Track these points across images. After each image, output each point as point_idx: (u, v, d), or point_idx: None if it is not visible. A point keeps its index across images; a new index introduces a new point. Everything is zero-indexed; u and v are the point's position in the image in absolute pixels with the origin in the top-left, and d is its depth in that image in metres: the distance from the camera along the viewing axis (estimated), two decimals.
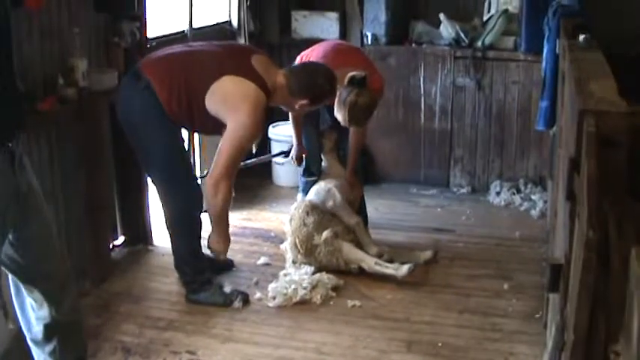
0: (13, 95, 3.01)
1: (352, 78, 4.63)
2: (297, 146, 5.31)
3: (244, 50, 4.53)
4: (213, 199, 4.16)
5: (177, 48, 4.46)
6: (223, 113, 4.11)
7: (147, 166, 4.45)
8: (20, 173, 3.01)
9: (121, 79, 4.47)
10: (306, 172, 5.44)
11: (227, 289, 4.54)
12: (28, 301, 3.26)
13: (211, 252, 4.46)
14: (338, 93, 4.63)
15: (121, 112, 4.34)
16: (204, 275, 4.50)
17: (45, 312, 3.26)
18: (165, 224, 4.49)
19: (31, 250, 3.12)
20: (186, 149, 4.66)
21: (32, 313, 3.28)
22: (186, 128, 4.49)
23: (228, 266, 4.87)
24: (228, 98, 4.11)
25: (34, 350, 3.39)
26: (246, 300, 4.50)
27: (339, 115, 4.69)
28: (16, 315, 3.37)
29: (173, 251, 4.51)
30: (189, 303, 4.49)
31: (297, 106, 4.41)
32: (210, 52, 4.33)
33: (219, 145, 4.12)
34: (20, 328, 3.39)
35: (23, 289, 3.24)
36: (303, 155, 5.38)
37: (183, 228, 4.43)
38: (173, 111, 4.16)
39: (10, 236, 3.05)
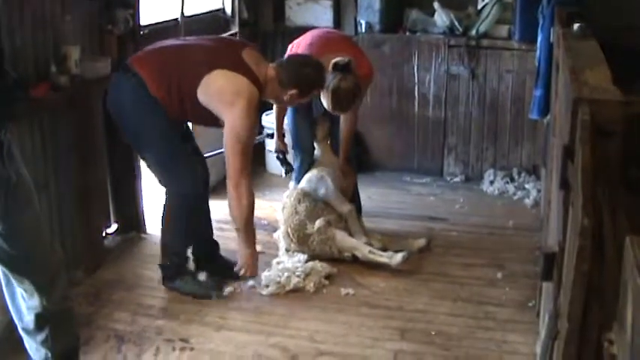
0: (2, 84, 2.99)
1: (336, 64, 4.64)
2: (278, 140, 5.29)
3: (235, 44, 4.52)
4: (237, 203, 4.20)
5: (167, 42, 4.45)
6: (215, 106, 4.12)
7: (143, 155, 4.44)
8: (9, 163, 2.99)
9: (112, 75, 4.44)
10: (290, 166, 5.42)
11: (201, 276, 4.51)
12: (19, 291, 3.24)
13: (241, 275, 4.48)
14: None
15: (112, 106, 4.33)
16: (181, 262, 4.47)
17: (36, 301, 3.24)
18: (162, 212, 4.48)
19: (21, 241, 3.10)
20: (188, 134, 4.60)
21: (23, 303, 3.27)
22: (181, 121, 4.47)
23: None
24: (222, 93, 4.11)
25: (26, 340, 3.38)
26: (220, 287, 4.48)
27: (324, 100, 4.71)
28: (7, 305, 3.35)
29: (162, 241, 4.50)
30: (167, 289, 4.49)
31: (286, 97, 4.41)
32: (202, 45, 4.33)
33: (225, 148, 4.14)
34: (11, 318, 3.38)
35: (13, 280, 3.22)
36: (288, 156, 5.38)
37: (177, 223, 4.41)
38: (166, 103, 4.16)
39: (5, 224, 3.03)
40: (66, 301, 3.41)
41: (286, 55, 5.02)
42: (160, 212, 4.50)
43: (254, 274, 4.50)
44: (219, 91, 4.11)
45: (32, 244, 3.17)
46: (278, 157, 5.32)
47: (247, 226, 4.32)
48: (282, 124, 5.25)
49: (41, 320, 3.30)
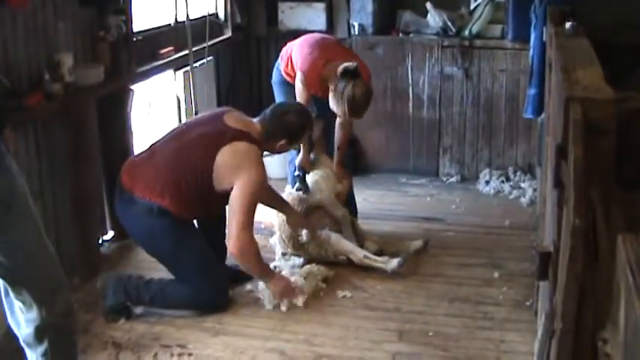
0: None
1: (345, 70, 4.64)
2: (304, 155, 5.13)
3: (216, 116, 4.37)
4: (241, 260, 4.22)
5: (159, 154, 4.32)
6: (229, 181, 4.14)
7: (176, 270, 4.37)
8: (3, 176, 2.98)
9: (121, 205, 4.33)
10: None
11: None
12: (17, 303, 3.21)
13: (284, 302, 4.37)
14: (332, 87, 4.69)
15: (136, 238, 4.49)
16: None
17: (34, 314, 3.20)
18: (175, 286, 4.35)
19: (19, 255, 3.08)
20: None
21: (21, 316, 3.24)
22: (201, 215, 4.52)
23: (248, 276, 4.61)
24: (229, 166, 4.14)
25: (27, 351, 3.36)
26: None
27: (338, 109, 4.72)
28: (6, 317, 3.34)
29: (162, 294, 4.33)
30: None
31: (278, 148, 4.44)
32: (191, 140, 4.26)
33: (230, 205, 4.15)
34: (9, 328, 3.37)
35: (11, 292, 3.19)
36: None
37: (176, 306, 4.37)
38: (188, 215, 4.28)
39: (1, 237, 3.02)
40: (68, 317, 3.38)
41: (282, 55, 5.10)
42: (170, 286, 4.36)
43: (294, 296, 4.39)
44: (227, 167, 4.14)
45: (30, 257, 3.13)
46: (298, 176, 5.10)
47: (260, 270, 4.35)
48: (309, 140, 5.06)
49: (40, 333, 3.27)
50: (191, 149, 4.20)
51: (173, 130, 4.47)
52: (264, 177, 4.23)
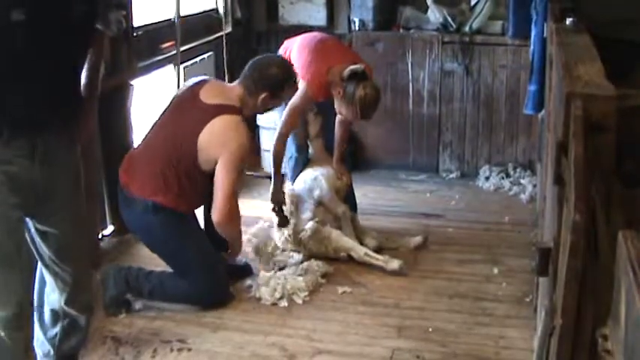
0: (70, 92, 3.14)
1: (353, 72, 4.62)
2: (275, 188, 4.97)
3: (192, 94, 4.31)
4: (228, 225, 4.23)
5: (148, 149, 4.33)
6: (213, 156, 4.10)
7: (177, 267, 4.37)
8: (41, 167, 2.99)
9: (125, 205, 4.35)
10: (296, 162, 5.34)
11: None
12: (48, 281, 3.30)
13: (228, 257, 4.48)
14: (341, 90, 4.65)
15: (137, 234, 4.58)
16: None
17: (55, 297, 3.30)
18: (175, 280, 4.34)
19: (51, 243, 3.16)
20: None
21: (45, 296, 3.34)
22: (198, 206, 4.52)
23: (248, 271, 4.72)
24: (214, 146, 4.10)
25: (37, 330, 3.42)
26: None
27: (349, 112, 4.70)
28: (33, 292, 3.40)
29: (159, 289, 4.34)
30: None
31: (259, 104, 4.34)
32: (173, 129, 4.24)
33: (215, 180, 4.11)
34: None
35: (44, 274, 3.28)
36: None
37: (176, 300, 4.37)
38: (185, 207, 4.27)
39: (37, 224, 3.11)
40: (84, 313, 3.41)
41: (280, 53, 5.05)
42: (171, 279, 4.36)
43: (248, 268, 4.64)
44: (210, 147, 4.10)
45: (62, 249, 3.20)
46: (273, 209, 4.98)
47: (237, 239, 4.46)
48: (280, 167, 5.00)
49: (55, 317, 3.35)
50: (173, 139, 4.19)
51: (159, 118, 4.43)
52: (246, 146, 4.15)
